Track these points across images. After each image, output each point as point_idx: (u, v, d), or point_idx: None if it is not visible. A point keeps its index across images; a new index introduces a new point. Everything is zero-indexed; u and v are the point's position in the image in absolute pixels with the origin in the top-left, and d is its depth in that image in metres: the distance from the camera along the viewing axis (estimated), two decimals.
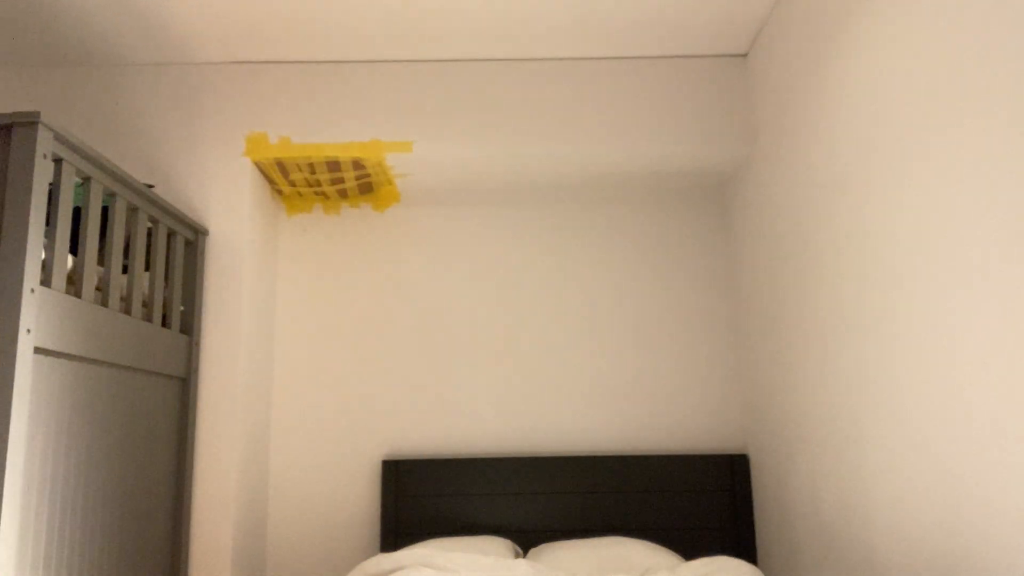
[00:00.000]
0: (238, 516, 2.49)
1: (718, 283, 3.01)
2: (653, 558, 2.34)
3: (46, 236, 1.73)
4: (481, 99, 2.72)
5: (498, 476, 2.79)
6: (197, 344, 2.50)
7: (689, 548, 2.74)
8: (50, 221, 1.73)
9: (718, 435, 2.89)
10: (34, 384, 1.64)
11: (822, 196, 2.13)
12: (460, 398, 2.93)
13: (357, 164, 2.73)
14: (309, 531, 2.83)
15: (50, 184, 1.72)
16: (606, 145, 2.68)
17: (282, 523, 2.83)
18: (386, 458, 2.88)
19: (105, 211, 2.38)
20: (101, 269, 2.01)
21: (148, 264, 2.31)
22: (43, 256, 1.70)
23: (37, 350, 1.65)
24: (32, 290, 1.60)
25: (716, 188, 3.06)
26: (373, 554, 2.81)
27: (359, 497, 2.85)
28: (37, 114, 1.63)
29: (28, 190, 1.62)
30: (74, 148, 1.78)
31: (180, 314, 2.44)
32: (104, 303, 1.95)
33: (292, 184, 2.91)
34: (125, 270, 2.23)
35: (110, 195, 2.01)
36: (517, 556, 2.55)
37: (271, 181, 2.88)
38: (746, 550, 2.73)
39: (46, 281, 1.69)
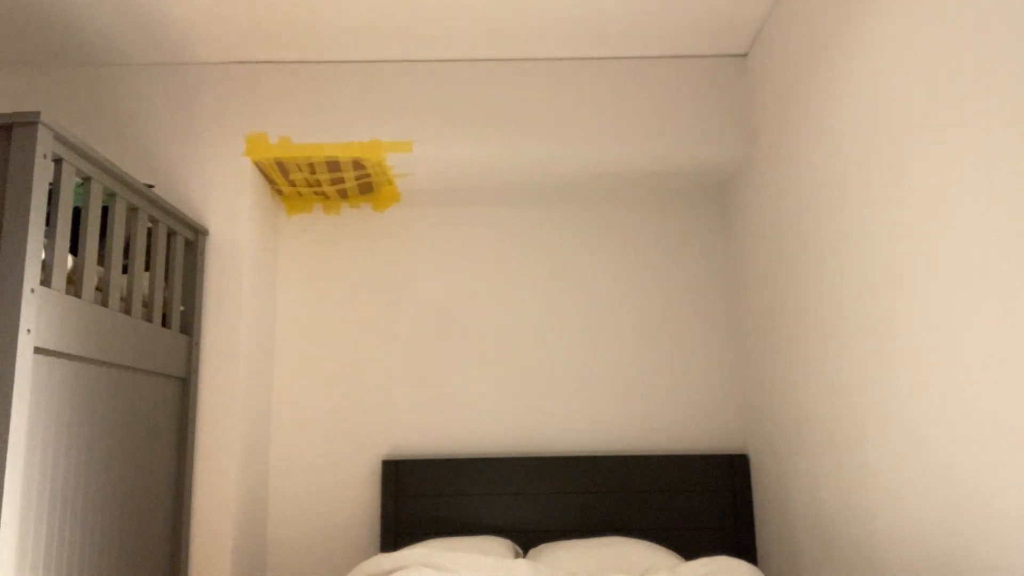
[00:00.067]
0: (238, 516, 2.49)
1: (718, 283, 3.01)
2: (653, 558, 2.34)
3: (46, 236, 1.73)
4: (481, 99, 2.72)
5: (498, 476, 2.79)
6: (197, 344, 2.50)
7: (689, 548, 2.74)
8: (50, 221, 1.73)
9: (718, 435, 2.89)
10: (34, 384, 1.64)
11: (822, 196, 2.13)
12: (460, 398, 2.93)
13: (357, 164, 2.73)
14: (309, 531, 2.83)
15: (50, 184, 1.72)
16: (606, 145, 2.68)
17: (282, 523, 2.83)
18: (386, 458, 2.88)
19: (105, 211, 2.38)
20: (101, 269, 2.01)
21: (148, 264, 2.31)
22: (43, 256, 1.70)
23: (37, 350, 1.65)
24: (32, 290, 1.60)
25: (716, 188, 3.06)
26: (373, 554, 2.81)
27: (359, 497, 2.85)
28: (37, 114, 1.63)
29: (28, 190, 1.62)
30: (74, 148, 1.78)
31: (180, 314, 2.44)
32: (104, 303, 1.95)
33: (292, 184, 2.91)
34: (125, 270, 2.23)
35: (110, 195, 2.01)
36: (517, 556, 2.54)
37: (271, 181, 2.88)
38: (746, 550, 2.73)
39: (46, 281, 1.69)
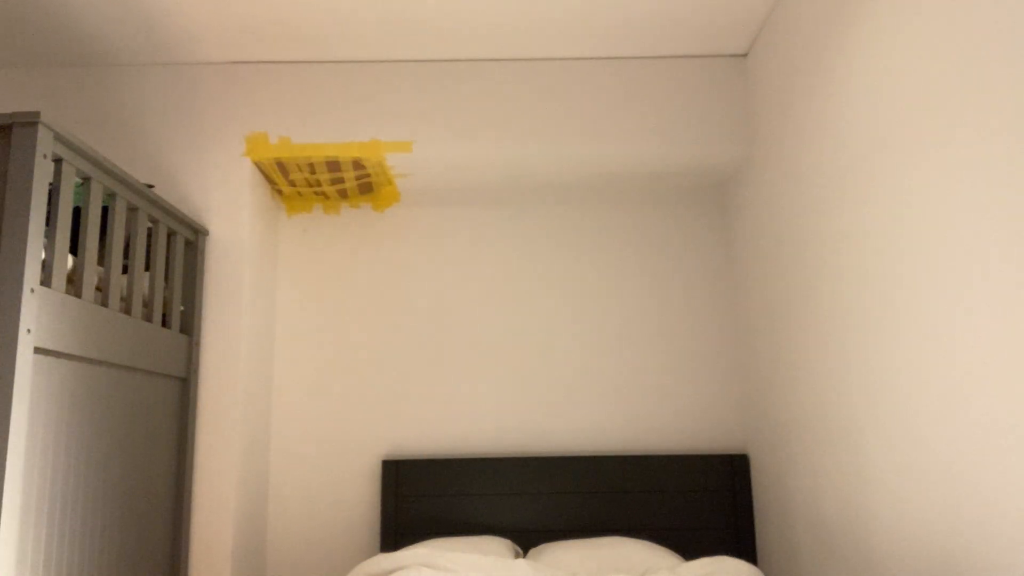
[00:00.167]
0: (238, 516, 2.49)
1: (718, 283, 3.01)
2: (653, 558, 2.34)
3: (46, 236, 1.73)
4: (481, 99, 2.72)
5: (498, 476, 2.79)
6: (197, 344, 2.50)
7: (689, 548, 2.74)
8: (50, 221, 1.73)
9: (718, 435, 2.89)
10: (34, 384, 1.64)
11: (822, 196, 2.13)
12: (460, 398, 2.93)
13: (357, 164, 2.73)
14: (309, 531, 2.83)
15: (50, 184, 1.72)
16: (606, 145, 2.68)
17: (282, 523, 2.83)
18: (386, 458, 2.88)
19: (105, 211, 2.38)
20: (101, 269, 2.01)
21: (148, 264, 2.31)
22: (43, 256, 1.70)
23: (37, 350, 1.65)
24: (32, 290, 1.60)
25: (716, 188, 3.06)
26: (373, 554, 2.81)
27: (359, 497, 2.85)
28: (37, 114, 1.63)
29: (28, 190, 1.62)
30: (74, 148, 1.78)
31: (180, 314, 2.44)
32: (104, 303, 1.95)
33: (292, 184, 2.91)
34: (125, 270, 2.23)
35: (110, 195, 2.01)
36: (517, 556, 2.55)
37: (271, 181, 2.88)
38: (746, 550, 2.73)
39: (46, 281, 1.69)
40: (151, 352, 2.18)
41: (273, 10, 2.45)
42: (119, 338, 1.99)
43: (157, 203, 2.24)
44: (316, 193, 3.00)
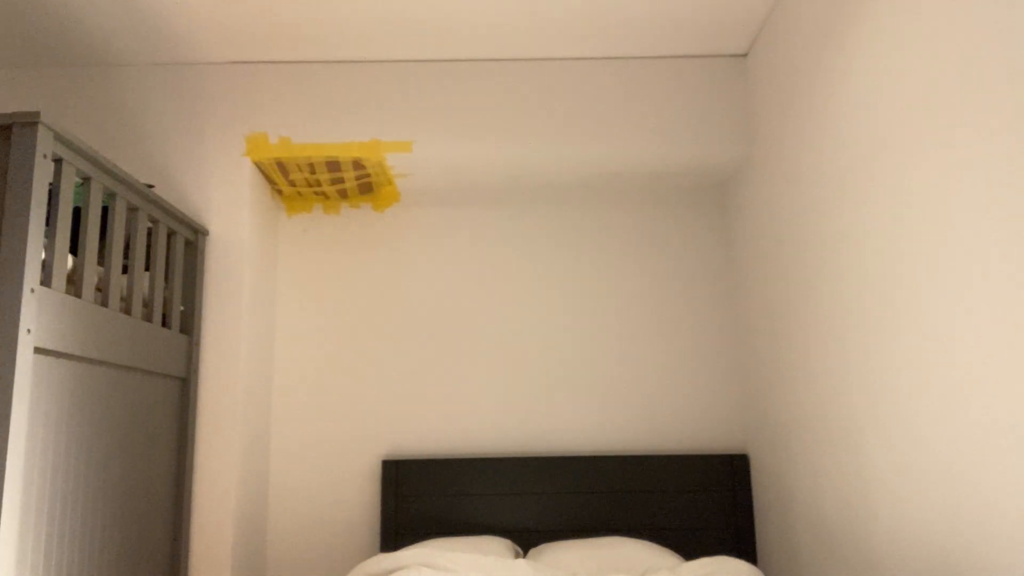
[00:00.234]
0: (238, 516, 2.49)
1: (718, 283, 3.01)
2: (653, 558, 2.34)
3: (46, 236, 1.73)
4: (481, 99, 2.72)
5: (498, 476, 2.79)
6: (197, 344, 2.50)
7: (689, 548, 2.74)
8: (50, 221, 1.73)
9: (718, 435, 2.89)
10: (34, 384, 1.64)
11: (822, 196, 2.13)
12: (460, 398, 2.93)
13: (357, 164, 2.73)
14: (309, 531, 2.83)
15: (50, 184, 1.72)
16: (606, 145, 2.68)
17: (282, 523, 2.83)
18: (386, 458, 2.88)
19: (105, 211, 2.38)
20: (101, 269, 2.01)
21: (148, 264, 2.31)
22: (43, 256, 1.70)
23: (37, 350, 1.65)
24: (32, 290, 1.60)
25: (716, 188, 3.06)
26: (373, 554, 2.81)
27: (359, 497, 2.85)
28: (37, 114, 1.63)
29: (28, 190, 1.62)
30: (74, 148, 1.78)
31: (180, 314, 2.44)
32: (104, 303, 1.95)
33: (292, 184, 2.91)
34: (125, 270, 2.23)
35: (110, 195, 2.01)
36: (517, 556, 2.55)
37: (271, 181, 2.88)
38: (746, 550, 2.73)
39: (46, 281, 1.69)
40: (151, 352, 2.18)
41: (273, 10, 2.45)
42: (119, 338, 1.99)
43: (157, 203, 2.24)
44: (316, 193, 3.00)
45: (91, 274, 1.87)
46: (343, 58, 2.73)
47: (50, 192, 1.74)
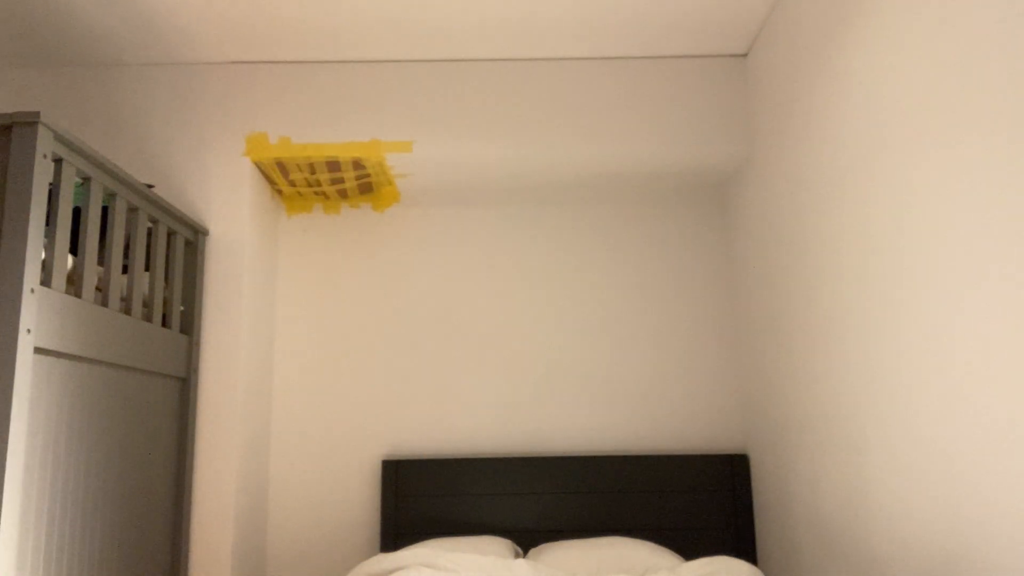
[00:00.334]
0: (238, 516, 2.49)
1: (718, 283, 3.01)
2: (653, 558, 2.34)
3: (46, 236, 1.73)
4: (481, 99, 2.72)
5: (498, 476, 2.79)
6: (197, 344, 2.50)
7: (689, 548, 2.74)
8: (50, 221, 1.73)
9: (718, 435, 2.89)
10: (34, 384, 1.64)
11: (822, 196, 2.13)
12: (460, 398, 2.93)
13: (357, 164, 2.73)
14: (309, 531, 2.83)
15: (50, 184, 1.72)
16: (606, 145, 2.68)
17: (282, 523, 2.83)
18: (386, 458, 2.88)
19: (105, 211, 2.38)
20: (101, 269, 2.01)
21: (148, 264, 2.31)
22: (43, 256, 1.70)
23: (37, 350, 1.65)
24: (32, 290, 1.60)
25: (716, 188, 3.06)
26: (373, 554, 2.81)
27: (359, 497, 2.85)
28: (37, 114, 1.63)
29: (28, 190, 1.62)
30: (74, 148, 1.78)
31: (180, 314, 2.44)
32: (104, 303, 1.95)
33: (292, 184, 2.91)
34: (125, 270, 2.23)
35: (110, 195, 2.01)
36: (517, 556, 2.55)
37: (271, 181, 2.88)
38: (746, 550, 2.73)
39: (46, 281, 1.69)
40: (151, 352, 2.18)
41: (273, 10, 2.45)
42: (119, 338, 1.99)
43: (157, 203, 2.24)
44: (316, 193, 3.00)
45: (91, 274, 1.87)
46: (343, 58, 2.73)
47: (50, 192, 1.74)
